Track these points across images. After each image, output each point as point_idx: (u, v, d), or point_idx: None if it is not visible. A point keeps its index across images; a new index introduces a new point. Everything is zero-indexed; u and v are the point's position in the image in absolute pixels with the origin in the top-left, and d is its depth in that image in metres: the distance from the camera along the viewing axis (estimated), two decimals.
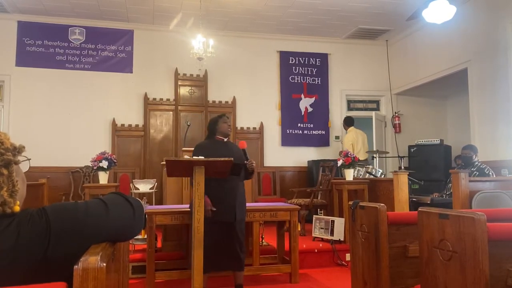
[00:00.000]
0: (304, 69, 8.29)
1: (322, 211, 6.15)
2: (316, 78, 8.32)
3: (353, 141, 7.16)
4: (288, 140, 8.08)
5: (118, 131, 7.40)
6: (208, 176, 3.04)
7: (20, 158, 1.13)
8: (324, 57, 8.37)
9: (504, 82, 5.90)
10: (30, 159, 1.20)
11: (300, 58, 8.28)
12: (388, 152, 7.50)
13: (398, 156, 7.15)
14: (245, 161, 3.60)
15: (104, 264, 0.95)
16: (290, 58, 8.24)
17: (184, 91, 7.74)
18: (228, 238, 3.52)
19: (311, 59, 8.31)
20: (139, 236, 4.47)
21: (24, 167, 1.19)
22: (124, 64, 7.57)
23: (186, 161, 3.13)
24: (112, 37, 7.55)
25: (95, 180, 6.64)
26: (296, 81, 8.24)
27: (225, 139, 3.72)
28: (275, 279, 4.21)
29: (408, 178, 4.86)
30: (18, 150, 1.12)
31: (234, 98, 7.88)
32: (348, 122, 7.49)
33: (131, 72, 7.60)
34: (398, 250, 2.52)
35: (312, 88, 8.28)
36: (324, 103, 8.32)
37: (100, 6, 6.83)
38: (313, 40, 8.29)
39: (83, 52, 7.42)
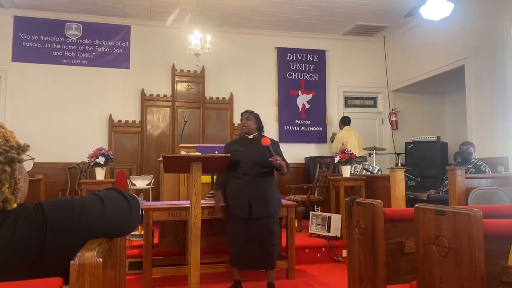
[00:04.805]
0: (302, 65, 8.28)
1: (319, 208, 6.16)
2: (314, 75, 8.32)
3: (344, 140, 7.19)
4: (285, 136, 8.08)
5: (115, 127, 7.38)
6: (206, 173, 3.04)
7: (24, 156, 1.13)
8: (321, 54, 8.37)
9: (501, 79, 5.91)
10: (34, 158, 1.21)
11: (298, 55, 8.27)
12: (385, 149, 7.51)
13: (395, 153, 7.17)
14: (269, 158, 3.44)
15: (101, 260, 0.95)
16: (288, 54, 8.23)
17: (181, 87, 7.72)
18: (251, 235, 3.51)
19: (308, 55, 8.30)
20: (136, 232, 4.47)
21: (27, 166, 1.19)
22: (121, 60, 7.55)
23: (183, 157, 3.12)
24: (109, 32, 7.51)
25: (92, 176, 6.62)
26: (293, 77, 8.23)
27: (250, 136, 3.68)
28: None
29: (405, 174, 4.88)
30: (22, 148, 1.13)
31: (231, 95, 7.87)
32: (344, 121, 7.54)
33: (128, 68, 7.57)
34: (394, 246, 2.53)
35: (309, 84, 8.28)
36: (321, 99, 8.32)
37: (97, 1, 6.80)
38: (310, 36, 8.27)
39: (80, 48, 7.39)
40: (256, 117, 3.73)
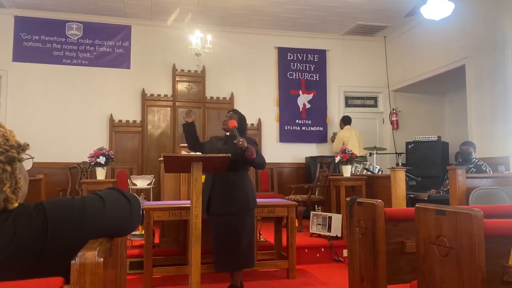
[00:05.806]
0: (302, 65, 8.28)
1: (320, 207, 6.16)
2: (314, 75, 8.32)
3: (344, 139, 7.20)
4: (286, 136, 8.08)
5: (115, 127, 7.38)
6: (207, 172, 3.04)
7: (23, 156, 1.14)
8: (322, 53, 8.36)
9: (502, 78, 5.91)
10: (33, 157, 1.21)
11: (298, 54, 8.27)
12: (385, 149, 7.51)
13: (396, 153, 7.18)
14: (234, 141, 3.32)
15: (102, 259, 0.95)
16: (288, 54, 8.23)
17: (182, 87, 7.73)
18: (212, 232, 3.48)
19: (309, 55, 8.30)
20: (137, 232, 4.47)
21: (27, 165, 1.19)
22: (121, 60, 7.55)
23: (184, 157, 3.12)
24: (109, 32, 7.52)
25: (92, 176, 6.63)
26: (294, 77, 8.23)
27: (227, 133, 3.64)
28: (272, 275, 4.21)
29: (406, 174, 4.87)
30: (22, 148, 1.13)
31: (232, 94, 7.87)
32: (345, 120, 7.54)
33: (129, 68, 7.57)
34: (395, 246, 2.53)
35: (310, 84, 8.28)
36: (322, 99, 8.32)
37: (98, 1, 6.80)
38: (311, 36, 8.27)
39: (81, 48, 7.39)
40: (241, 118, 3.60)
